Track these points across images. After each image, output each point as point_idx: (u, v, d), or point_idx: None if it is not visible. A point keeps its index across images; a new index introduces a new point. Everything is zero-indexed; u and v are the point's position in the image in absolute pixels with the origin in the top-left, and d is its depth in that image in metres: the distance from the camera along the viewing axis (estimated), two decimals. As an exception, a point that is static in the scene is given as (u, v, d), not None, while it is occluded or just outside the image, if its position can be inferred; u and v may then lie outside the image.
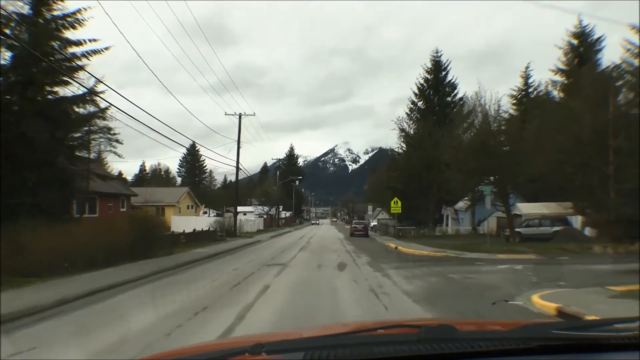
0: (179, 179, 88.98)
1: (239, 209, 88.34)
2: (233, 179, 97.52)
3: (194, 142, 62.93)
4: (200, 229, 32.61)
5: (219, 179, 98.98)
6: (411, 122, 45.53)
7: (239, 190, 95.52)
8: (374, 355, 1.40)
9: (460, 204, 41.83)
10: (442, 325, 1.67)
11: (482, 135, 25.96)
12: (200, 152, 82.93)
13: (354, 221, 48.15)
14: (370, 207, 70.29)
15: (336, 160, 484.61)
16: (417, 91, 47.33)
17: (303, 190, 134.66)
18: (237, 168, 39.23)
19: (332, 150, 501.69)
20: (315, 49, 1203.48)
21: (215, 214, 66.93)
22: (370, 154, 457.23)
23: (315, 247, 26.88)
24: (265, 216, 72.77)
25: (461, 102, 45.71)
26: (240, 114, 39.83)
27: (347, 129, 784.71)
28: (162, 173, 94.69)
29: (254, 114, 40.57)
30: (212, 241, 30.33)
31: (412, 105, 47.08)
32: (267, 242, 33.07)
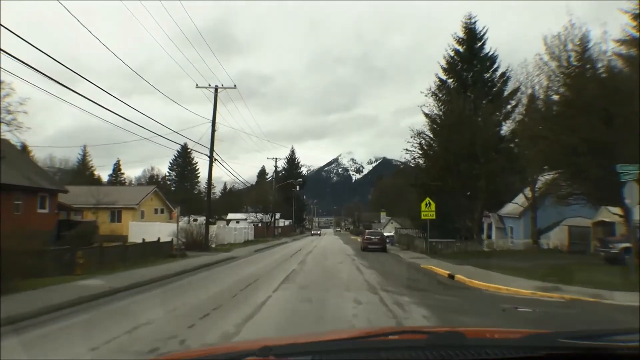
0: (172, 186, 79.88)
1: (230, 216, 78.55)
2: (234, 187, 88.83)
3: (185, 144, 52.95)
4: (156, 240, 22.54)
5: (218, 187, 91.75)
6: (439, 103, 35.29)
7: (234, 198, 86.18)
8: None
9: (510, 208, 31.35)
10: (450, 332, 1.66)
11: (589, 90, 15.93)
12: (192, 153, 73.21)
13: (367, 231, 37.44)
14: (383, 214, 59.49)
15: (340, 170, 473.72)
16: (445, 65, 37.02)
17: (305, 197, 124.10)
18: (211, 157, 29.06)
19: (335, 160, 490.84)
20: (319, 57, 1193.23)
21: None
22: (374, 164, 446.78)
23: (312, 274, 16.32)
24: (259, 224, 62.52)
25: (504, 79, 36.00)
26: (216, 86, 30.05)
27: (350, 138, 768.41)
28: (160, 180, 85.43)
29: (235, 87, 30.73)
30: (159, 258, 20.14)
31: (439, 83, 36.85)
32: (244, 260, 22.73)
